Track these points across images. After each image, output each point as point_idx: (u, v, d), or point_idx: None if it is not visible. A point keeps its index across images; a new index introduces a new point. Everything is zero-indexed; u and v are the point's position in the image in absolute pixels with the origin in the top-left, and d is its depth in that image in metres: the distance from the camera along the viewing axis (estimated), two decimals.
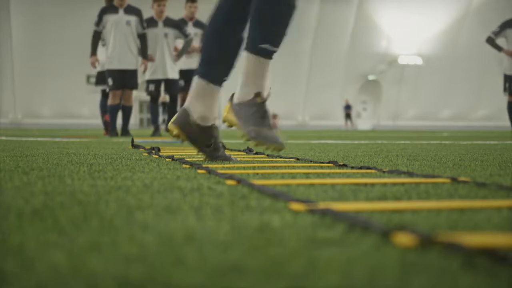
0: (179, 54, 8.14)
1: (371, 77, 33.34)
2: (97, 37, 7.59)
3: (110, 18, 7.48)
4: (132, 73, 7.68)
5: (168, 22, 8.11)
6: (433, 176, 1.78)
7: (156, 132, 8.21)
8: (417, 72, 33.23)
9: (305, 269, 0.67)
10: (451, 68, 32.90)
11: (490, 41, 8.35)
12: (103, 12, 7.54)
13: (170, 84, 8.14)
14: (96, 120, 28.96)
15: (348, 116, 31.32)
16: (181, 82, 8.43)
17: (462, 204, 1.19)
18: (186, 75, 8.43)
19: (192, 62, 8.40)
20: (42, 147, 3.81)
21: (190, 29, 8.31)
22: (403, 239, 0.80)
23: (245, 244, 0.80)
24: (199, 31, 8.35)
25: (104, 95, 8.28)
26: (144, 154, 3.00)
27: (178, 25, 8.14)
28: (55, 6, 28.46)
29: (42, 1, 28.60)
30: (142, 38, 7.63)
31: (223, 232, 0.89)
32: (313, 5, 30.83)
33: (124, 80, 7.59)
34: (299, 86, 32.35)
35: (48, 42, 28.79)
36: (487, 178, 1.82)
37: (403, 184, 1.58)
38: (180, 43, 8.31)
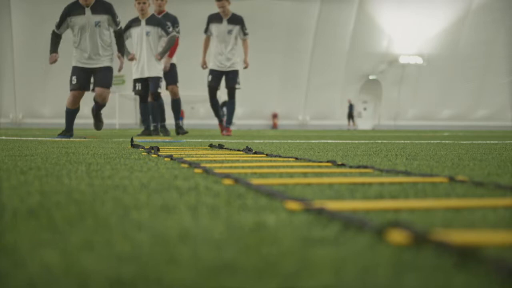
0: (161, 52, 8.08)
1: (371, 77, 33.32)
2: (56, 38, 6.74)
3: (76, 21, 6.53)
4: (105, 70, 6.67)
5: (151, 21, 8.07)
6: (431, 175, 1.77)
7: (145, 131, 8.19)
8: (417, 72, 33.19)
9: (297, 268, 0.67)
10: (452, 68, 32.86)
11: None
12: (66, 14, 6.55)
13: (151, 82, 8.07)
14: None
15: (351, 116, 31.29)
16: (138, 85, 8.36)
17: (459, 203, 1.19)
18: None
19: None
20: (41, 146, 3.81)
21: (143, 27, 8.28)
22: (397, 237, 0.80)
23: (239, 243, 0.80)
24: (167, 24, 8.34)
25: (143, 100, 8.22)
26: (143, 153, 3.00)
27: (161, 23, 8.06)
28: (55, 6, 28.41)
29: (42, 1, 28.61)
30: (117, 35, 6.76)
31: (218, 231, 0.88)
32: (313, 5, 30.82)
33: (94, 78, 6.68)
34: (299, 86, 32.32)
35: (49, 42, 28.78)
36: (485, 177, 1.82)
37: (400, 183, 1.58)
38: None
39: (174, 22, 8.43)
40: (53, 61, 6.66)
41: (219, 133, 8.99)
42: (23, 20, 28.90)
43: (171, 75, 8.42)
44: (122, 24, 6.96)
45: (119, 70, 6.87)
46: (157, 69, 8.09)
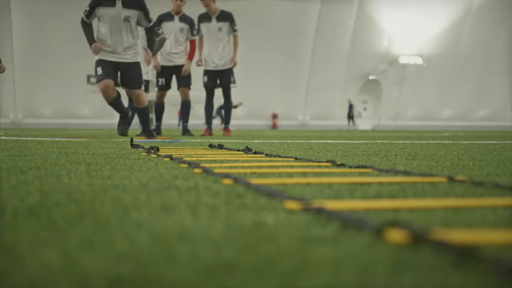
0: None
1: (371, 77, 33.34)
2: (88, 28, 6.15)
3: (104, 12, 6.07)
4: (132, 68, 6.26)
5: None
6: (430, 175, 1.78)
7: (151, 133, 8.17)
8: (417, 72, 33.22)
9: (296, 267, 0.67)
10: (452, 68, 32.89)
11: None
12: (96, 4, 6.08)
13: None
14: (96, 120, 29.01)
15: (351, 116, 31.28)
16: (162, 80, 8.37)
17: (458, 203, 1.19)
18: (168, 72, 8.39)
19: (176, 58, 8.36)
20: (41, 146, 3.81)
21: (176, 23, 8.28)
22: (396, 236, 0.80)
23: (238, 242, 0.80)
24: (185, 26, 8.32)
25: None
26: (143, 153, 3.00)
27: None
28: (56, 6, 28.45)
29: (42, 1, 28.61)
30: (148, 32, 6.36)
31: (217, 231, 0.89)
32: (313, 5, 30.82)
33: (122, 77, 6.27)
34: (299, 86, 32.34)
35: (49, 41, 28.81)
36: (484, 177, 1.82)
37: (399, 183, 1.58)
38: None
39: (192, 24, 8.39)
40: (98, 50, 6.09)
41: (219, 133, 8.98)
42: (23, 20, 28.92)
43: (184, 77, 8.38)
44: None
45: (148, 63, 6.49)
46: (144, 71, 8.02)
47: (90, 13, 6.08)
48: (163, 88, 8.37)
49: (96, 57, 6.17)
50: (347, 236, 0.85)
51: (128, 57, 6.19)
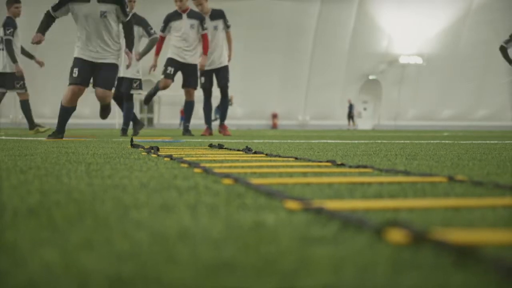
0: (141, 53, 7.97)
1: (371, 77, 33.33)
2: (47, 20, 5.78)
3: (79, 9, 5.68)
4: (109, 68, 5.87)
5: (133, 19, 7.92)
6: (430, 175, 1.78)
7: (123, 132, 8.15)
8: (417, 72, 33.21)
9: (296, 267, 0.67)
10: (452, 68, 32.88)
11: (503, 50, 8.23)
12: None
13: (124, 83, 7.94)
14: (97, 120, 29.00)
15: (351, 116, 31.26)
16: (171, 70, 8.28)
17: (458, 203, 1.19)
18: (178, 66, 8.27)
19: (190, 56, 8.30)
20: (41, 146, 3.81)
21: (185, 21, 8.22)
22: (396, 236, 0.80)
23: (238, 242, 0.80)
24: (195, 22, 8.26)
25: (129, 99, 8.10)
26: (143, 153, 3.00)
27: (143, 23, 7.97)
28: None
29: (42, 2, 28.61)
30: (126, 27, 5.93)
31: (217, 230, 0.89)
32: (313, 4, 30.82)
33: (96, 76, 5.89)
34: (299, 86, 32.34)
35: (49, 42, 28.78)
36: (484, 177, 1.82)
37: (399, 183, 1.58)
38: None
39: (201, 18, 8.25)
40: (37, 41, 5.67)
41: (219, 133, 8.97)
42: (22, 20, 28.86)
43: (192, 77, 8.27)
44: None
45: (127, 67, 6.23)
46: (132, 70, 7.90)
47: (58, 6, 5.69)
48: (170, 77, 8.24)
49: (75, 54, 5.81)
50: (347, 236, 0.85)
51: (106, 59, 5.81)
